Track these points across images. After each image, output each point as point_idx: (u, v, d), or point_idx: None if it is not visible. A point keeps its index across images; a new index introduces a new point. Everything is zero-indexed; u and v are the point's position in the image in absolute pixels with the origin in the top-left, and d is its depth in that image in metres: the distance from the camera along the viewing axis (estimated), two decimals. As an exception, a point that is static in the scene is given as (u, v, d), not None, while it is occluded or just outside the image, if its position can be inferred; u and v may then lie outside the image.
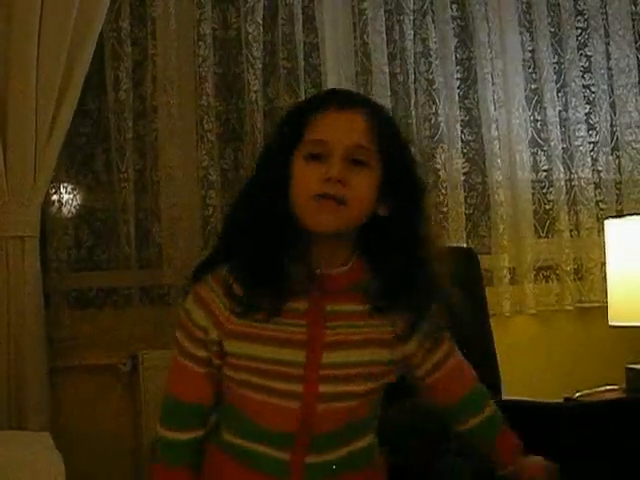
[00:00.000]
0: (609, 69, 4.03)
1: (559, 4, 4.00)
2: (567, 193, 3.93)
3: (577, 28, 4.04)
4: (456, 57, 3.86)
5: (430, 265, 1.77)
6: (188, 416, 1.81)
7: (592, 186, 3.96)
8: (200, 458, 1.82)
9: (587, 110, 4.02)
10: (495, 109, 3.84)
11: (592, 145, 4.01)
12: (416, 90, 3.76)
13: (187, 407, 1.81)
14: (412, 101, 3.73)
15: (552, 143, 3.92)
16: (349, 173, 1.69)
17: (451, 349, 1.92)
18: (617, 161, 4.03)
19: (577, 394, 3.38)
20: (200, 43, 3.47)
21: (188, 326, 1.78)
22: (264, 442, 1.74)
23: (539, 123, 3.96)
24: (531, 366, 3.77)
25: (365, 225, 1.76)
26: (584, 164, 3.95)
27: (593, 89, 4.03)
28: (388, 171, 1.74)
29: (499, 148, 3.83)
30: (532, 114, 3.96)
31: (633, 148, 4.02)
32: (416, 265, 1.75)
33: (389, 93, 3.67)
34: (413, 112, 3.73)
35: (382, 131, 1.74)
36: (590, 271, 3.92)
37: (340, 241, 1.76)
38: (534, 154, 3.96)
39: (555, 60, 3.99)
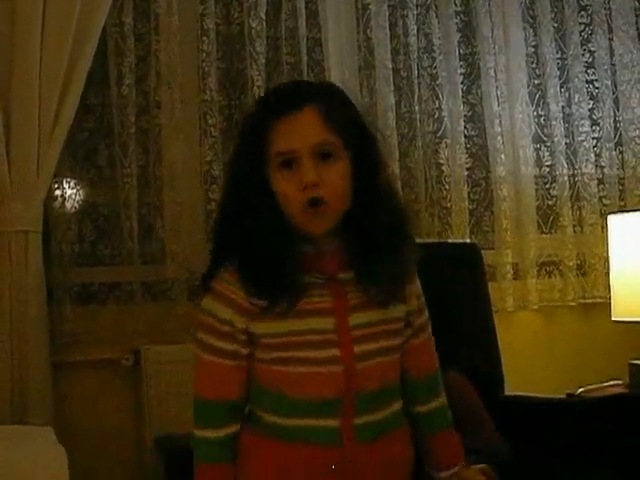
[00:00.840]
0: (612, 64, 4.04)
1: (562, -1, 4.00)
2: (570, 189, 3.94)
3: (580, 23, 4.04)
4: (459, 52, 3.86)
5: (399, 224, 1.88)
6: (221, 414, 1.87)
7: (595, 182, 3.97)
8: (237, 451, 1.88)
9: (590, 106, 4.02)
10: (498, 104, 3.84)
11: (595, 141, 4.02)
12: (419, 85, 3.76)
13: (219, 405, 1.86)
14: (415, 96, 3.73)
15: (555, 138, 3.92)
16: (322, 170, 1.77)
17: (428, 321, 2.02)
18: (620, 157, 4.04)
19: (580, 389, 3.39)
20: (203, 38, 3.46)
21: (212, 324, 1.84)
22: (311, 415, 1.81)
23: (542, 118, 3.96)
24: (534, 361, 3.78)
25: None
26: (587, 160, 3.96)
27: (596, 84, 4.03)
28: (353, 152, 1.81)
29: (502, 143, 3.83)
30: (535, 109, 3.96)
31: (637, 144, 4.03)
32: (388, 231, 1.84)
33: (392, 88, 3.67)
34: (416, 107, 3.73)
35: (338, 118, 1.79)
36: (593, 267, 3.93)
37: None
38: (537, 149, 3.96)
39: (558, 55, 3.99)
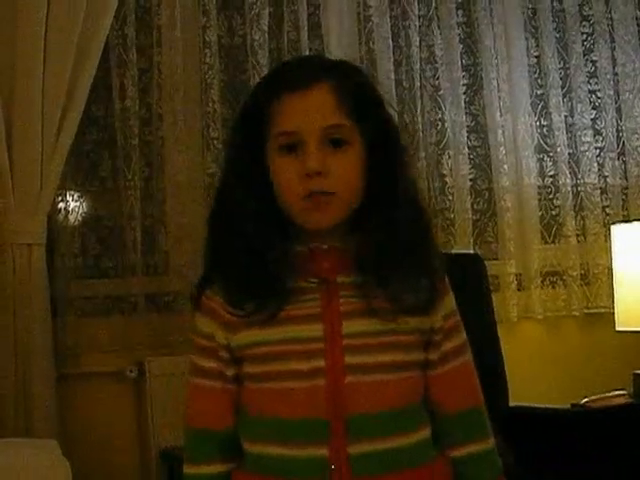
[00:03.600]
0: (615, 74, 4.04)
1: (564, 10, 4.00)
2: (573, 199, 3.93)
3: (583, 33, 4.04)
4: (462, 63, 3.86)
5: (421, 225, 1.63)
6: (206, 445, 1.63)
7: (598, 191, 3.96)
8: None
9: (593, 115, 4.02)
10: (501, 115, 3.84)
11: (598, 150, 4.01)
12: (422, 96, 3.77)
13: (206, 434, 1.63)
14: (418, 107, 3.74)
15: (558, 149, 3.92)
16: (329, 158, 1.53)
17: (466, 346, 1.70)
18: (623, 166, 4.03)
19: (584, 400, 3.38)
20: (206, 50, 3.47)
21: (196, 341, 1.64)
22: (295, 440, 1.54)
23: (545, 129, 3.96)
24: (538, 372, 3.77)
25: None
26: (590, 170, 3.95)
27: (599, 94, 4.03)
28: (369, 140, 1.58)
29: (505, 154, 3.83)
30: (538, 120, 3.96)
31: (639, 153, 4.02)
32: (406, 227, 1.59)
33: (395, 99, 3.67)
34: (419, 118, 3.73)
35: (355, 101, 1.56)
36: (597, 277, 3.92)
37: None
38: (540, 160, 3.96)
39: (561, 65, 3.99)
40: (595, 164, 3.98)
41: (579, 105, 3.98)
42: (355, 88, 1.58)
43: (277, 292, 1.55)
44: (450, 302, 1.67)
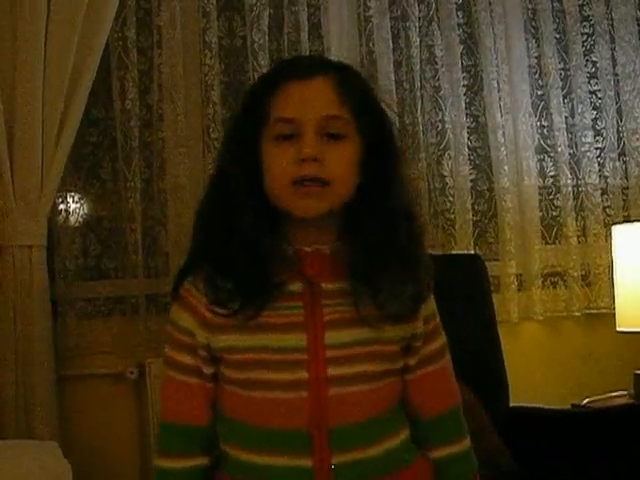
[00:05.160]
0: (615, 75, 4.03)
1: (564, 10, 4.00)
2: (574, 199, 3.93)
3: (583, 34, 4.04)
4: (462, 64, 3.85)
5: (413, 232, 1.61)
6: (182, 440, 1.60)
7: (599, 192, 3.96)
8: None
9: (593, 116, 4.01)
10: (501, 116, 3.84)
11: (599, 151, 4.01)
12: (422, 97, 3.76)
13: (179, 428, 1.61)
14: (418, 108, 3.73)
15: (559, 149, 3.91)
16: (325, 149, 1.52)
17: (445, 348, 1.69)
18: (624, 167, 4.03)
19: (585, 400, 3.38)
20: (206, 52, 3.47)
21: (173, 335, 1.63)
22: (279, 452, 1.52)
23: (545, 129, 3.96)
24: (539, 372, 3.77)
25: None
26: (591, 170, 3.95)
27: (599, 95, 4.03)
28: (367, 138, 1.58)
29: (506, 155, 3.82)
30: (538, 120, 3.95)
31: (640, 153, 4.02)
32: (399, 234, 1.58)
33: (395, 100, 3.67)
34: (419, 119, 3.73)
35: (354, 95, 1.56)
36: (598, 277, 3.92)
37: (328, 219, 1.57)
38: (541, 160, 3.95)
39: (561, 66, 3.99)
40: (596, 164, 3.97)
41: (579, 106, 3.97)
42: (355, 85, 1.59)
43: (263, 289, 1.52)
44: (431, 304, 1.67)
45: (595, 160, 3.97)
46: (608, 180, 3.99)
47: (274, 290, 1.53)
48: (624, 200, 4.01)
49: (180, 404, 1.61)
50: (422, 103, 3.76)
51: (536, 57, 3.98)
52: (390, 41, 3.72)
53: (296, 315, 1.54)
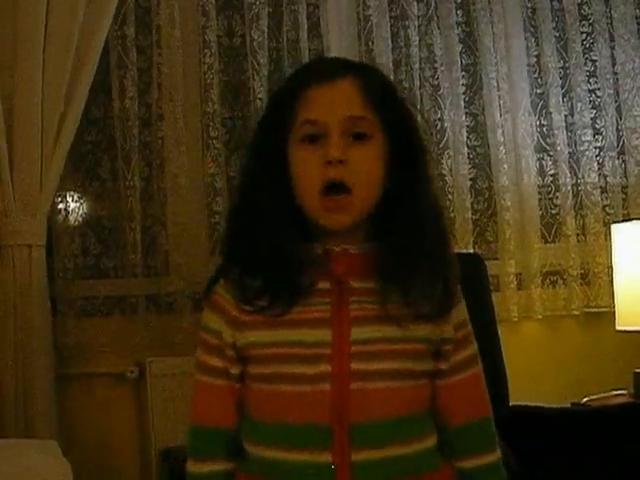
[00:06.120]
0: (614, 73, 4.03)
1: (564, 9, 4.00)
2: (573, 198, 3.93)
3: (582, 32, 4.03)
4: (461, 63, 3.85)
5: (441, 231, 1.62)
6: (210, 443, 1.62)
7: (598, 190, 3.96)
8: None
9: (593, 115, 4.01)
10: (501, 114, 3.84)
11: (598, 150, 4.01)
12: (421, 96, 3.77)
13: (208, 432, 1.63)
14: (418, 107, 3.73)
15: (558, 148, 3.91)
16: (351, 150, 1.53)
17: (477, 357, 1.69)
18: (623, 165, 4.03)
19: (584, 399, 3.38)
20: (205, 51, 3.47)
21: (203, 338, 1.63)
22: (299, 447, 1.53)
23: (545, 128, 3.96)
24: (538, 371, 3.77)
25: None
26: (590, 169, 3.95)
27: (599, 93, 4.03)
28: (392, 138, 1.59)
29: (505, 153, 3.82)
30: (538, 119, 3.95)
31: (639, 152, 4.02)
32: (427, 234, 1.59)
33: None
34: (419, 118, 3.72)
35: (379, 96, 1.58)
36: (597, 276, 3.92)
37: (356, 224, 1.58)
38: (540, 159, 3.95)
39: (560, 65, 3.99)
40: (595, 163, 3.97)
41: (579, 104, 3.97)
42: (379, 85, 1.61)
43: (292, 288, 1.54)
44: (462, 311, 1.67)
45: (594, 159, 3.97)
46: (607, 179, 3.99)
47: (301, 289, 1.55)
48: (623, 199, 4.01)
49: (207, 406, 1.64)
50: (421, 102, 3.76)
51: (535, 56, 3.98)
52: (389, 40, 3.73)
53: (323, 311, 1.55)
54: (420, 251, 1.58)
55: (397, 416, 1.55)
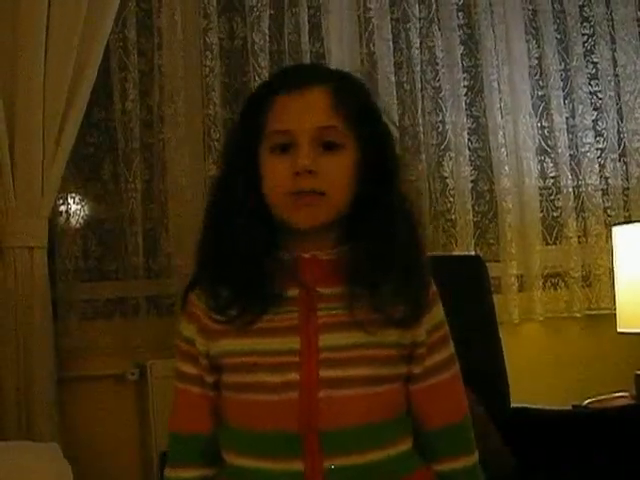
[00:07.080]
0: (616, 75, 4.03)
1: (565, 11, 4.00)
2: (575, 200, 3.93)
3: (583, 35, 4.04)
4: (462, 65, 3.86)
5: (414, 238, 1.60)
6: (186, 449, 1.65)
7: (600, 193, 3.96)
8: None
9: (594, 117, 4.02)
10: (502, 116, 3.84)
11: (599, 152, 4.01)
12: (423, 98, 3.77)
13: (184, 438, 1.65)
14: (419, 109, 3.74)
15: (559, 150, 3.92)
16: (321, 160, 1.52)
17: (453, 359, 1.66)
18: (624, 167, 4.03)
19: (586, 401, 3.38)
20: (207, 53, 3.47)
21: (178, 345, 1.65)
22: (270, 455, 1.52)
23: (546, 130, 3.96)
24: (540, 373, 3.77)
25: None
26: (591, 171, 3.95)
27: (600, 96, 4.03)
28: (364, 148, 1.57)
29: (506, 155, 3.82)
30: (539, 121, 3.96)
31: (640, 154, 4.02)
32: (399, 240, 1.57)
33: (395, 101, 3.68)
34: (420, 120, 3.73)
35: (350, 105, 1.56)
36: (598, 278, 3.92)
37: (325, 227, 1.58)
38: (541, 161, 3.96)
39: (562, 67, 3.99)
40: (596, 165, 3.97)
41: (580, 106, 3.97)
42: (352, 94, 1.59)
43: (262, 297, 1.54)
44: (438, 313, 1.65)
45: (596, 161, 3.98)
46: (609, 181, 4.00)
47: (271, 298, 1.54)
48: (625, 201, 4.01)
49: (184, 413, 1.65)
50: (422, 104, 3.76)
51: (537, 58, 3.98)
52: (390, 42, 3.73)
53: (291, 319, 1.54)
54: (391, 255, 1.56)
55: (368, 422, 1.54)
